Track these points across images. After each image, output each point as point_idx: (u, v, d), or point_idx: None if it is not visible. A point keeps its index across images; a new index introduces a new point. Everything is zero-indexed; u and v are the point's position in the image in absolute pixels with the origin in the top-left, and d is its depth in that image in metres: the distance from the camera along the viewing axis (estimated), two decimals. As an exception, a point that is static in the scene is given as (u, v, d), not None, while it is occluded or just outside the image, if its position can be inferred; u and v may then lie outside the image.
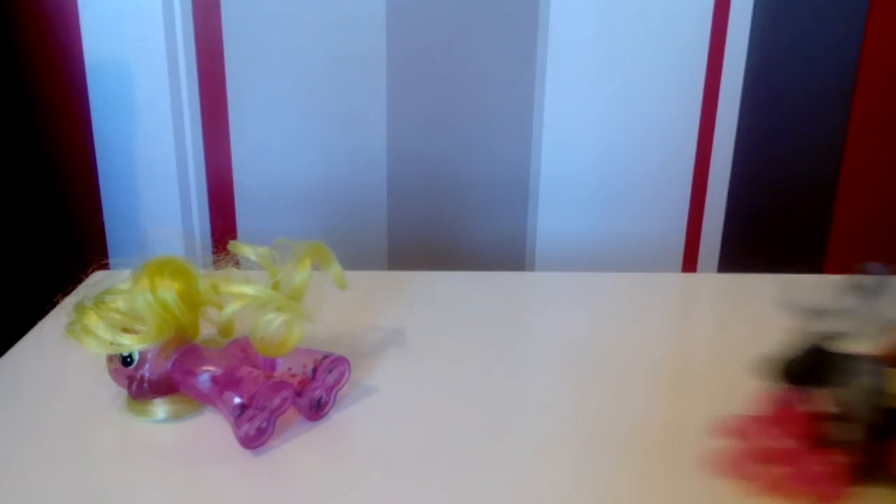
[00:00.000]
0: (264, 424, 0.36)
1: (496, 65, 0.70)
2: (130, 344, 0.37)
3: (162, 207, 0.73)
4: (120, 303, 0.37)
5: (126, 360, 0.38)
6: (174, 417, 0.39)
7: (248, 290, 0.39)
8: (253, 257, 0.40)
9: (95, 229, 0.73)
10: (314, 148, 0.72)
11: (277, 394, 0.37)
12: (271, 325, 0.38)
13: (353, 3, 0.68)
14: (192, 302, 0.39)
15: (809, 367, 0.35)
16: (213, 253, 0.42)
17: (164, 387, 0.39)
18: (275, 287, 0.39)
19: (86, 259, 0.43)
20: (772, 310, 0.41)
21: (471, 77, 0.70)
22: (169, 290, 0.37)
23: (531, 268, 0.76)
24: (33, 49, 0.69)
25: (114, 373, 0.39)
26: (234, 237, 0.73)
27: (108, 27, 0.68)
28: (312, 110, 0.71)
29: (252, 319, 0.39)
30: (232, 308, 0.39)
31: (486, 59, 0.70)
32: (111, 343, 0.37)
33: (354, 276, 0.59)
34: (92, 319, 0.37)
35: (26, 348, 0.47)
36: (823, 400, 0.36)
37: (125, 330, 0.37)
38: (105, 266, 0.42)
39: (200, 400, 0.39)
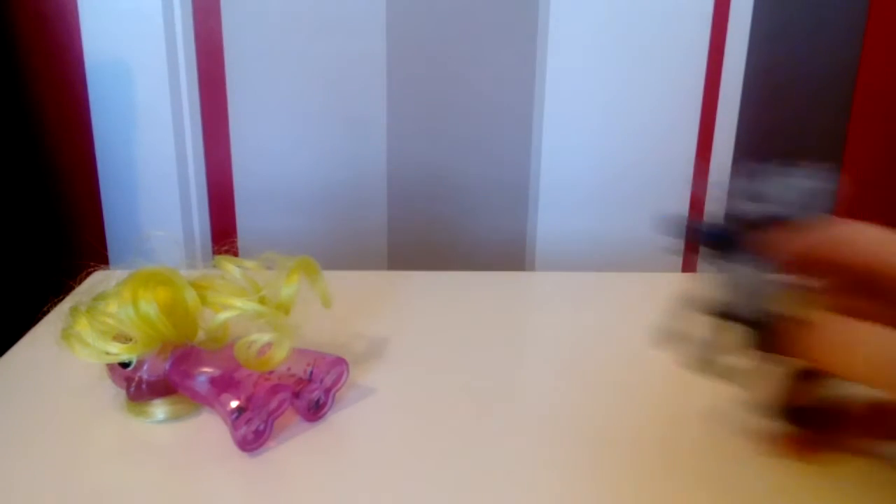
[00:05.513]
0: (262, 427, 0.36)
1: (496, 65, 0.70)
2: (119, 354, 0.37)
3: (162, 208, 0.73)
4: (113, 307, 0.37)
5: (124, 362, 0.38)
6: (173, 418, 0.39)
7: (236, 302, 0.39)
8: (237, 275, 0.40)
9: (95, 229, 0.73)
10: (314, 148, 0.72)
11: (275, 396, 0.37)
12: (252, 348, 0.38)
13: (353, 3, 0.68)
14: (178, 314, 0.38)
15: (719, 237, 0.33)
16: (213, 254, 0.42)
17: (162, 388, 0.39)
18: (261, 301, 0.39)
19: (85, 259, 0.43)
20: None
21: (471, 77, 0.70)
22: (151, 304, 0.37)
23: (531, 268, 0.76)
24: (33, 49, 0.69)
25: (112, 374, 0.39)
26: (234, 237, 0.74)
27: (108, 27, 0.68)
28: (312, 110, 0.71)
29: (244, 328, 0.39)
30: (221, 318, 0.39)
31: (486, 60, 0.70)
32: (102, 352, 0.37)
33: (354, 276, 0.59)
34: (83, 327, 0.37)
35: (24, 349, 0.47)
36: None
37: (117, 337, 0.37)
38: (105, 266, 0.42)
39: (198, 401, 0.39)
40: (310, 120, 0.71)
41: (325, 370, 0.40)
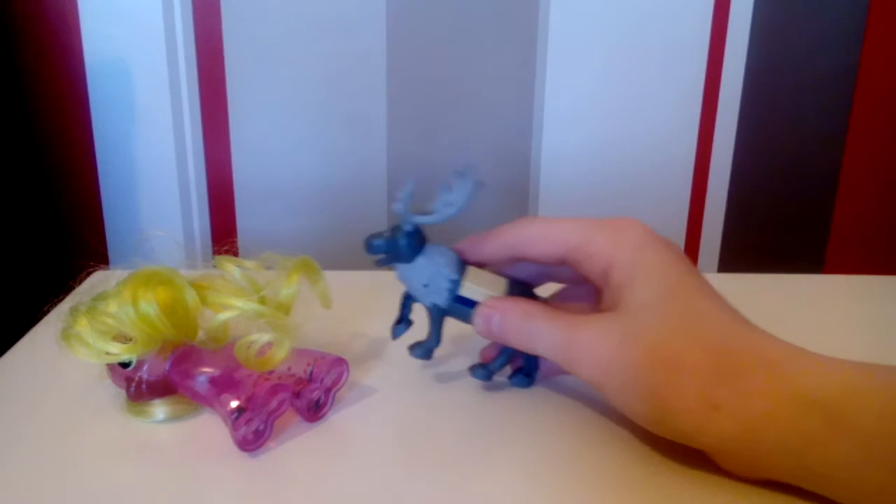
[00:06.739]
0: (262, 427, 0.36)
1: (496, 65, 0.70)
2: (119, 354, 0.37)
3: (162, 208, 0.73)
4: (113, 307, 0.37)
5: (124, 362, 0.38)
6: (173, 418, 0.39)
7: (236, 302, 0.38)
8: (237, 275, 0.40)
9: (95, 229, 0.73)
10: (314, 148, 0.72)
11: (275, 396, 0.37)
12: (252, 348, 0.38)
13: (353, 3, 0.68)
14: (178, 314, 0.38)
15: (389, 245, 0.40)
16: (213, 254, 0.42)
17: (162, 388, 0.39)
18: (261, 301, 0.39)
19: (85, 259, 0.43)
20: (772, 309, 0.41)
21: (471, 77, 0.70)
22: (151, 304, 0.37)
23: (531, 268, 0.76)
24: (33, 49, 0.69)
25: (112, 374, 0.39)
26: (234, 237, 0.74)
27: (108, 27, 0.68)
28: (312, 110, 0.71)
29: (243, 328, 0.39)
30: (221, 317, 0.39)
31: (486, 60, 0.70)
32: (102, 352, 0.37)
33: (354, 276, 0.59)
34: (83, 327, 0.37)
35: (24, 349, 0.47)
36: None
37: (117, 337, 0.37)
38: (105, 266, 0.42)
39: (199, 402, 0.39)
40: (310, 120, 0.71)
41: (325, 370, 0.40)
